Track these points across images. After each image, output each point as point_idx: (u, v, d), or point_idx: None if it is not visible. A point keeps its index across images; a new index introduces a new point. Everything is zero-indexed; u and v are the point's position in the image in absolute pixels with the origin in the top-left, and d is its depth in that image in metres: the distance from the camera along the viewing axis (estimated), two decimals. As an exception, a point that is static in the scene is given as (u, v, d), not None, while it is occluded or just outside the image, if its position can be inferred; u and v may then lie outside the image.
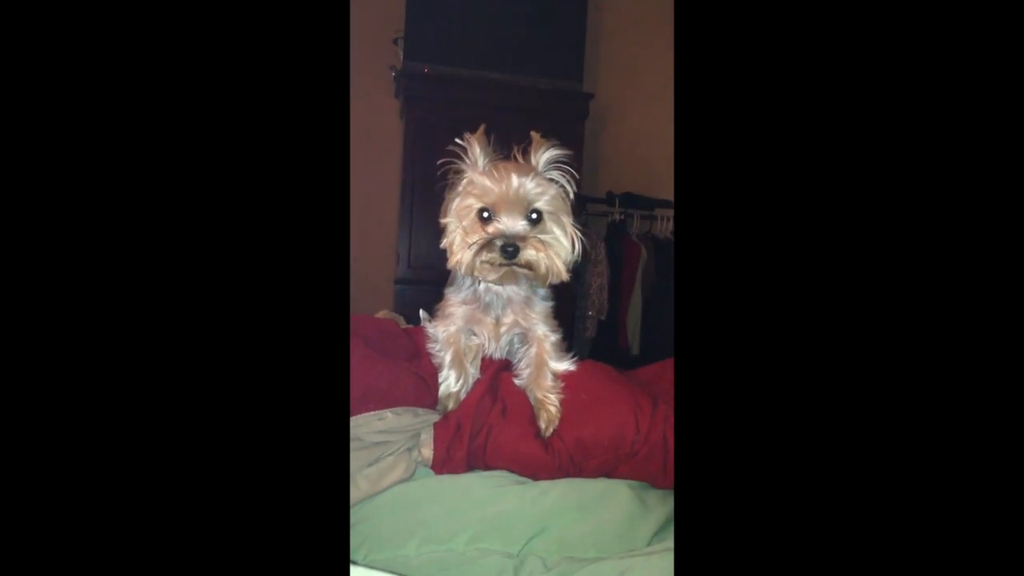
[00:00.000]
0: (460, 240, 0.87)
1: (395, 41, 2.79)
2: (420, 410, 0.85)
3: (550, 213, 0.88)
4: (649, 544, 0.74)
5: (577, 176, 0.93)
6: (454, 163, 0.92)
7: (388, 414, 0.80)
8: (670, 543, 0.72)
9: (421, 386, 0.88)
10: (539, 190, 0.87)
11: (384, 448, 0.79)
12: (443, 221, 0.91)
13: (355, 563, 0.59)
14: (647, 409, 0.84)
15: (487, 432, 0.82)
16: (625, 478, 0.82)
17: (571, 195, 0.92)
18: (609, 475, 0.83)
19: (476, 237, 0.86)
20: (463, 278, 0.95)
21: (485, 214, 0.87)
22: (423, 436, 0.83)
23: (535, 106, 2.83)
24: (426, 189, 2.74)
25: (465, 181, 0.90)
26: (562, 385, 0.89)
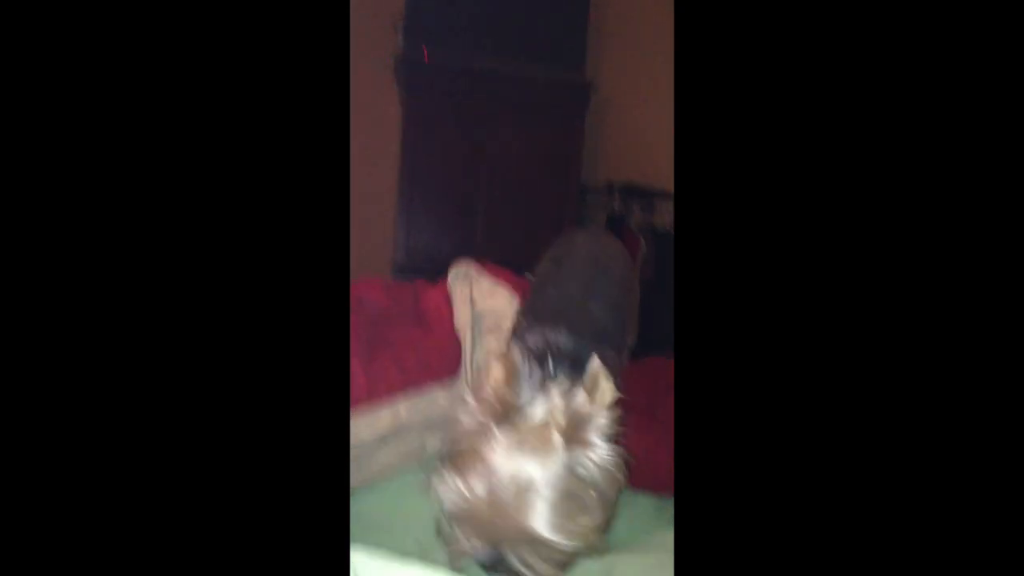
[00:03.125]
0: None
1: (395, 28, 2.77)
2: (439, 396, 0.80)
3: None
4: (637, 541, 0.74)
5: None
6: None
7: (400, 409, 0.77)
8: (658, 540, 0.72)
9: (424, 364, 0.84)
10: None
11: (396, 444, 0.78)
12: None
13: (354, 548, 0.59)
14: None
15: None
16: None
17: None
18: None
19: None
20: None
21: None
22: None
23: (536, 96, 2.81)
24: (425, 178, 2.73)
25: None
26: None
